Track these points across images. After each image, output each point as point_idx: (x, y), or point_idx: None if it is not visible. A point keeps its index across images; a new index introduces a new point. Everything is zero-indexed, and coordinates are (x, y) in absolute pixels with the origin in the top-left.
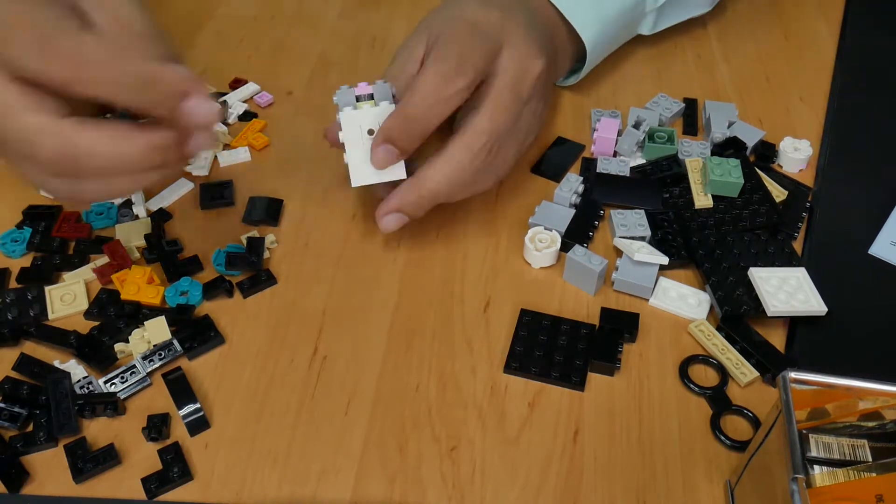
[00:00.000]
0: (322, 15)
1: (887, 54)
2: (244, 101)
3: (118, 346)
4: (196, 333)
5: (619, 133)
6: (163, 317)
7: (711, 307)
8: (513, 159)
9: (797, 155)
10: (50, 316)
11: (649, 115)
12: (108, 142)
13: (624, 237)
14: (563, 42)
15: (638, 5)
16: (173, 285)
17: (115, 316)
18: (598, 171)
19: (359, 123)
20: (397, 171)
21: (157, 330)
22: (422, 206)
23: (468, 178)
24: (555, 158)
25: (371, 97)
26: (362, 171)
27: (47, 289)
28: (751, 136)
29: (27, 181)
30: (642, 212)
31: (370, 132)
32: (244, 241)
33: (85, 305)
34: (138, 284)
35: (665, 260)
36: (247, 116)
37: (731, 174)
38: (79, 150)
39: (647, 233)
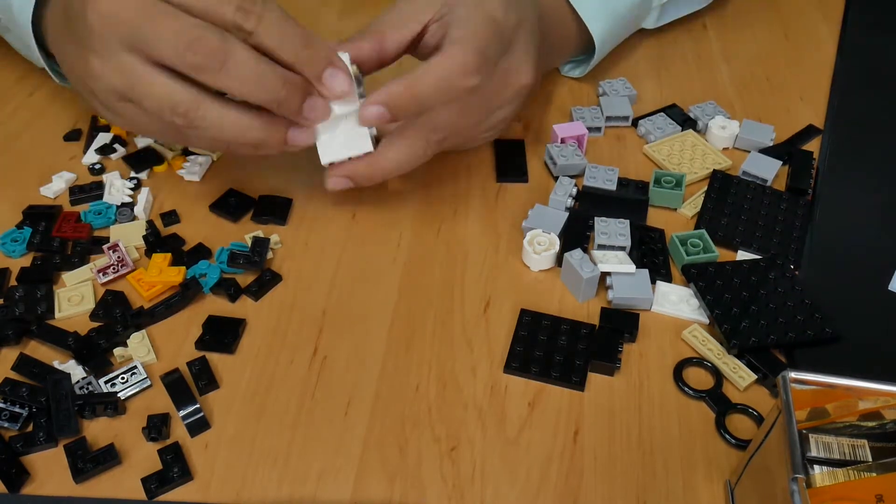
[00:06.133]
0: (322, 15)
1: (887, 54)
2: None
3: (117, 351)
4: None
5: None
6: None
7: None
8: (458, 147)
9: (723, 133)
10: (56, 315)
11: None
12: (254, 61)
13: (603, 245)
14: (569, 33)
15: (645, 2)
16: (193, 267)
17: (121, 317)
18: (584, 185)
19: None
20: (364, 145)
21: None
22: (373, 179)
23: (419, 162)
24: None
25: None
26: (331, 148)
27: (57, 290)
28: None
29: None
30: (626, 222)
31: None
32: (248, 241)
33: (91, 306)
34: (160, 267)
35: (632, 269)
36: None
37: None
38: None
39: (627, 243)
